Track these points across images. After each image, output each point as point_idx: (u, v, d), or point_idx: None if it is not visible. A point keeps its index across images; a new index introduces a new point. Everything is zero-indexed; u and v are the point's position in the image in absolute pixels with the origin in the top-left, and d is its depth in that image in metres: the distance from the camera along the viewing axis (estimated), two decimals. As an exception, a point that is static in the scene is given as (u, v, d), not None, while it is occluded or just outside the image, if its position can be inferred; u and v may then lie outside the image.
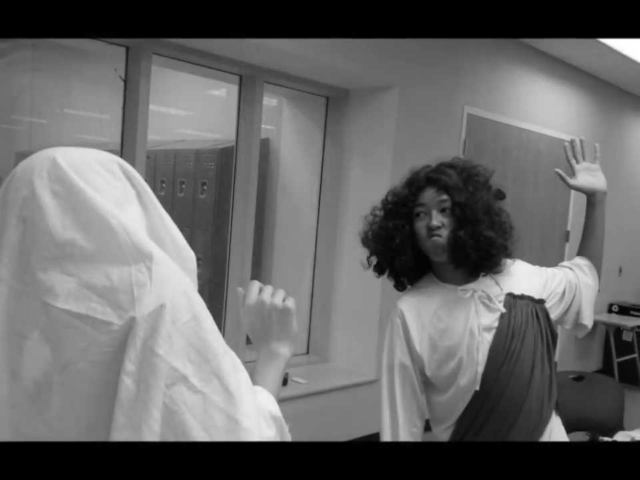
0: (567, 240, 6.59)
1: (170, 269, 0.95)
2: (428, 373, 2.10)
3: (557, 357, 6.59)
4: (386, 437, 2.08)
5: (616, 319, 7.26)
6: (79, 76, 4.50)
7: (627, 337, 7.23)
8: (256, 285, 1.34)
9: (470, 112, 5.28)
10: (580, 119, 6.62)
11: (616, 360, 7.00)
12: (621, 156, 7.36)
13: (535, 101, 6.01)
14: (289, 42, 3.82)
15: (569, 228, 6.59)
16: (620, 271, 7.60)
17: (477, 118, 5.35)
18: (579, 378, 3.84)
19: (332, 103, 4.94)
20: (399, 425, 2.08)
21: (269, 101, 5.34)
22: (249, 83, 4.26)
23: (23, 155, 1.01)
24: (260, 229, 5.00)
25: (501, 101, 5.62)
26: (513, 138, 5.75)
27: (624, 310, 7.46)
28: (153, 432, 0.87)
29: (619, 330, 7.23)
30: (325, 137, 4.97)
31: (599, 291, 2.34)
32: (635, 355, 7.17)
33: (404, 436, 2.07)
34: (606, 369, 7.33)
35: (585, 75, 6.57)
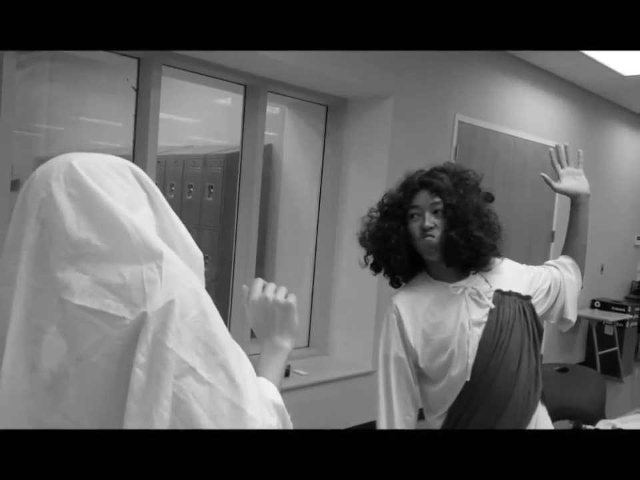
0: (552, 240, 6.60)
1: (179, 267, 0.95)
2: (421, 365, 2.10)
3: (542, 350, 6.59)
4: (382, 425, 2.08)
5: (598, 314, 7.29)
6: (93, 86, 4.50)
7: (609, 331, 7.24)
8: (260, 282, 1.34)
9: (461, 120, 5.28)
10: (564, 126, 6.63)
11: (598, 353, 7.01)
12: (603, 161, 7.37)
13: (522, 109, 6.02)
14: (290, 54, 3.83)
15: (553, 228, 6.60)
16: (602, 269, 7.61)
17: (467, 125, 5.35)
18: (564, 369, 3.83)
19: (331, 111, 4.94)
20: (394, 414, 2.08)
21: (272, 109, 5.33)
22: (253, 92, 4.26)
23: (42, 160, 1.02)
24: (263, 229, 5.00)
25: (490, 110, 5.62)
26: (501, 144, 5.75)
27: (605, 306, 7.47)
28: (163, 420, 0.87)
29: (600, 324, 7.26)
30: (324, 143, 4.97)
31: (582, 287, 2.34)
32: (616, 348, 7.18)
33: (399, 424, 2.07)
34: (589, 361, 7.33)
35: (568, 84, 6.58)
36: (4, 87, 2.93)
